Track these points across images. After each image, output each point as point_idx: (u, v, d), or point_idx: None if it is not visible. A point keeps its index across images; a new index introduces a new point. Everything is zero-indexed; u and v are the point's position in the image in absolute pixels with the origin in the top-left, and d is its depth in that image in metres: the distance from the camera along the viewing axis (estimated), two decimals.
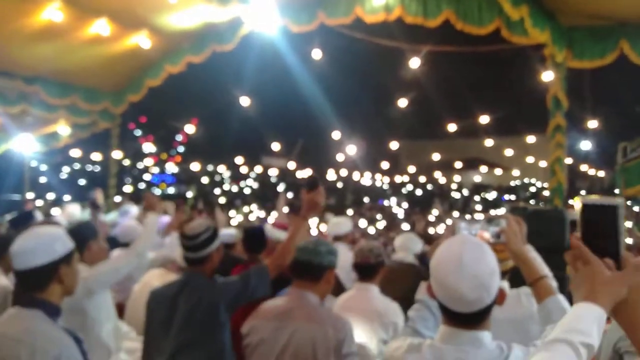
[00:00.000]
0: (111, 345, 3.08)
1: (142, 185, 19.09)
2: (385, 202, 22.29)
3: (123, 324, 3.59)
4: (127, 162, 16.63)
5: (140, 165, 18.09)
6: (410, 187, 24.21)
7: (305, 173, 17.30)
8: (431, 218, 11.75)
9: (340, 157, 15.02)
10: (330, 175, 18.06)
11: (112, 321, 3.22)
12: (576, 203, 1.08)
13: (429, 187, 24.29)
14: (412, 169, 20.29)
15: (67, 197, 13.75)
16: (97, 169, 16.44)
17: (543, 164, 13.29)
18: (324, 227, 9.50)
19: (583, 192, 19.36)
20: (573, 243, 1.07)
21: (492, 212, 18.49)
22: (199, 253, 2.71)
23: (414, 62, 8.10)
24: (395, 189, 23.74)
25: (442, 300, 1.59)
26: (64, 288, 2.09)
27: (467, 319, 1.57)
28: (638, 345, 1.09)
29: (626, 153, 7.37)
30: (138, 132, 18.54)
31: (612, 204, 1.04)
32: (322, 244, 2.55)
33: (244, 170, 17.61)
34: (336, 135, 12.54)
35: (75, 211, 7.69)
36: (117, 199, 10.27)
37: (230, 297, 2.63)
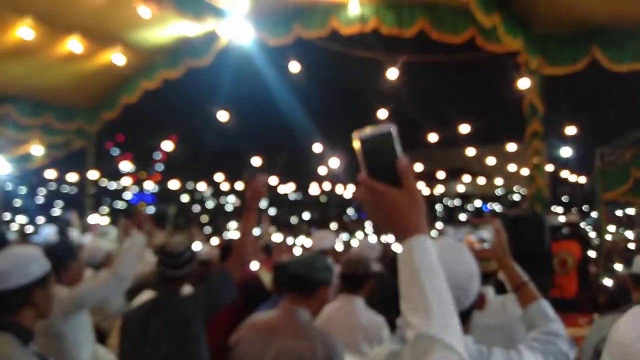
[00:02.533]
0: None
1: (120, 205, 18.92)
2: None
3: (100, 347, 3.52)
4: (104, 182, 16.45)
5: (118, 184, 17.90)
6: None
7: (288, 187, 17.27)
8: None
9: (322, 171, 15.04)
10: (313, 189, 18.05)
11: (91, 344, 3.16)
12: (354, 142, 1.06)
13: None
14: None
15: (42, 219, 13.54)
16: (74, 190, 16.23)
17: (525, 171, 13.44)
18: (308, 242, 9.48)
19: (564, 198, 19.65)
20: (360, 179, 1.05)
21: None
22: (179, 271, 2.76)
23: (392, 73, 8.19)
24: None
25: None
26: (37, 311, 2.04)
27: None
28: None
29: (603, 158, 7.51)
30: (115, 151, 18.38)
31: (385, 130, 1.05)
32: (320, 259, 2.50)
33: (224, 186, 17.52)
34: (317, 148, 12.56)
35: (51, 233, 7.61)
36: (94, 219, 10.14)
37: (198, 309, 2.64)
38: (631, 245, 9.01)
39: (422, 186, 19.58)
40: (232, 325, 2.66)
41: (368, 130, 1.06)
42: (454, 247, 1.64)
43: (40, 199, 18.58)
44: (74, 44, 7.59)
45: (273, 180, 16.38)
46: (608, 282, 6.49)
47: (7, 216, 13.57)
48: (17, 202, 16.64)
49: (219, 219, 20.50)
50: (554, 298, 5.85)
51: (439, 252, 1.62)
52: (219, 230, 17.11)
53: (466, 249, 1.66)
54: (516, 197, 24.18)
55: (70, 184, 13.47)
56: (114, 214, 13.71)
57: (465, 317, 1.59)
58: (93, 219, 7.39)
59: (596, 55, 6.34)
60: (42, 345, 2.08)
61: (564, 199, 19.16)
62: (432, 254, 1.02)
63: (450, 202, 25.69)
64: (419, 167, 16.31)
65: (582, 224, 11.01)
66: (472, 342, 1.59)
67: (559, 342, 1.76)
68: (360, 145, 1.05)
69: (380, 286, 3.65)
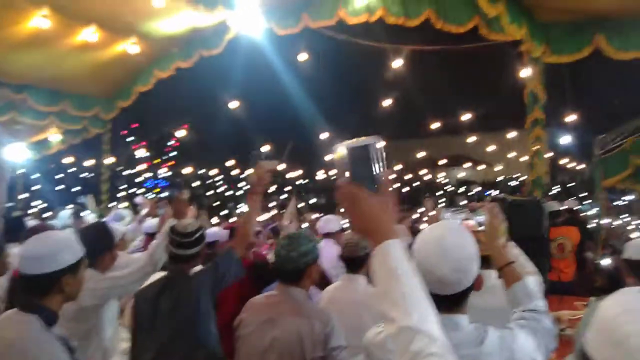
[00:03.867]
0: (110, 349, 2.99)
1: (135, 190, 18.99)
2: None
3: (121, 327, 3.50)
4: (119, 168, 16.51)
5: (133, 170, 17.96)
6: (396, 184, 24.27)
7: (295, 174, 17.27)
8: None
9: (329, 158, 15.00)
10: (320, 175, 18.04)
11: (114, 325, 3.14)
12: (339, 150, 1.15)
13: (416, 184, 24.39)
14: (398, 167, 20.33)
15: (59, 204, 13.61)
16: (90, 175, 16.30)
17: (525, 158, 13.36)
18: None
19: (563, 184, 19.50)
20: (341, 183, 1.14)
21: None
22: (189, 251, 2.75)
23: (397, 62, 8.11)
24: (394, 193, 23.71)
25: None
26: (65, 296, 2.03)
27: (445, 302, 1.56)
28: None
29: (603, 146, 7.42)
30: (130, 138, 18.40)
31: (373, 142, 1.14)
32: (294, 248, 2.45)
33: (235, 172, 17.55)
34: (324, 135, 12.52)
35: (66, 216, 7.59)
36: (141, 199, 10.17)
37: (206, 286, 2.64)
38: (631, 232, 8.95)
39: (425, 172, 19.50)
40: (240, 305, 2.66)
41: (355, 141, 1.14)
42: (457, 230, 1.63)
43: (58, 184, 18.66)
44: (89, 34, 7.56)
45: (281, 167, 16.37)
46: (606, 262, 6.44)
47: (26, 200, 13.65)
48: (36, 187, 16.74)
49: (229, 204, 20.57)
50: (552, 281, 5.83)
51: (443, 235, 1.61)
52: (229, 214, 17.15)
53: (467, 232, 1.64)
54: (516, 184, 24.09)
55: (87, 169, 13.51)
56: (130, 199, 13.76)
57: (463, 297, 1.59)
58: (140, 199, 7.35)
59: (600, 43, 6.22)
60: (71, 328, 2.06)
61: (563, 185, 19.05)
62: (404, 255, 1.08)
63: (452, 188, 25.61)
64: (422, 154, 16.24)
65: (582, 210, 10.93)
66: (468, 321, 1.59)
67: (543, 319, 1.77)
68: (347, 153, 1.13)
69: None
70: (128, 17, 7.72)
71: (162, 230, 3.14)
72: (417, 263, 1.56)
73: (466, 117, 10.74)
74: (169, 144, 19.10)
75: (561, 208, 7.62)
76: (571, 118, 9.54)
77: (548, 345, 1.72)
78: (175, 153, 19.36)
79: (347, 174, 1.13)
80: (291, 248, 2.44)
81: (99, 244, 2.94)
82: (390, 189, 1.13)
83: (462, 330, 1.57)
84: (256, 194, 2.84)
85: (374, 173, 1.12)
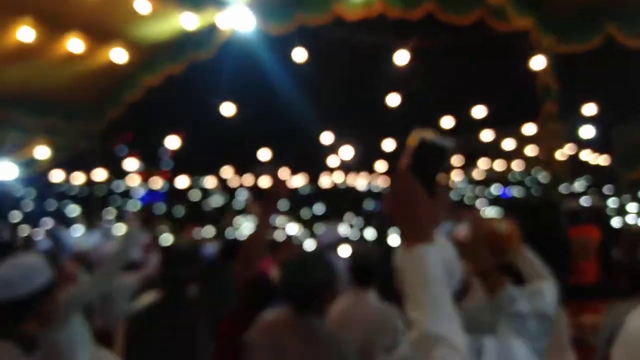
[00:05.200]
0: None
1: (129, 205, 19.08)
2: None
3: (103, 350, 3.55)
4: (112, 182, 16.59)
5: (126, 184, 18.04)
6: None
7: (298, 180, 17.28)
8: None
9: (333, 161, 15.01)
10: (324, 180, 18.03)
11: (88, 348, 3.18)
12: (412, 138, 1.15)
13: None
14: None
15: (50, 222, 13.71)
16: (83, 191, 16.41)
17: (543, 153, 13.29)
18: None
19: (583, 180, 19.39)
20: (401, 169, 1.14)
21: (490, 208, 18.51)
22: (185, 271, 2.76)
23: (402, 58, 8.14)
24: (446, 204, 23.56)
25: None
26: (41, 320, 2.07)
27: None
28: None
29: (622, 137, 7.42)
30: (124, 151, 18.46)
31: (446, 144, 1.14)
32: (305, 274, 2.36)
33: (234, 182, 17.58)
34: (328, 138, 12.53)
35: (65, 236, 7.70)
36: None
37: (205, 313, 2.64)
38: None
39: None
40: (237, 326, 2.68)
41: (431, 135, 1.15)
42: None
43: (48, 203, 18.80)
44: (74, 43, 7.65)
45: (283, 173, 16.40)
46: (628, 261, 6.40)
47: (16, 220, 13.75)
48: (26, 206, 16.88)
49: (226, 215, 20.61)
50: (574, 284, 5.81)
51: None
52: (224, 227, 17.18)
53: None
54: (534, 180, 23.91)
55: (78, 185, 13.60)
56: (124, 215, 13.84)
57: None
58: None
59: (611, 31, 6.24)
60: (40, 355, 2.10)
61: (585, 180, 18.93)
62: (440, 263, 1.12)
63: (469, 189, 25.46)
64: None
65: (603, 207, 10.88)
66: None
67: (528, 322, 1.84)
68: (418, 144, 1.14)
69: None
70: (113, 23, 7.81)
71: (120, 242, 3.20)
72: None
73: (479, 111, 10.74)
74: (163, 154, 19.17)
75: (584, 205, 7.61)
76: (588, 109, 9.53)
77: (537, 348, 1.77)
78: (171, 164, 19.42)
79: (410, 164, 1.14)
80: (304, 274, 2.37)
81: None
82: (445, 196, 1.17)
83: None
84: (269, 211, 2.72)
85: (436, 173, 1.14)
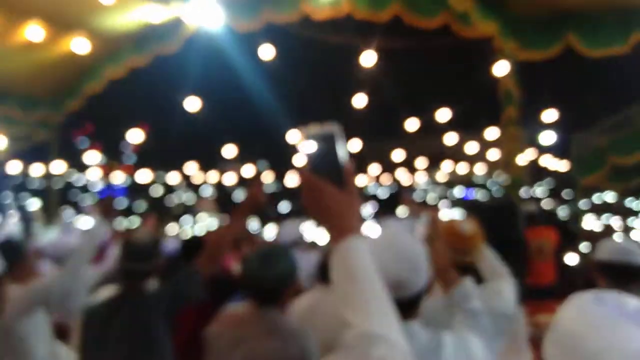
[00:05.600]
0: None
1: (89, 199, 18.69)
2: None
3: (61, 345, 3.49)
4: (72, 175, 16.23)
5: (87, 177, 17.67)
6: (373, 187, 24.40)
7: (266, 178, 17.22)
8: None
9: (300, 160, 15.02)
10: (291, 179, 18.02)
11: (47, 343, 3.13)
12: (300, 140, 1.13)
13: (391, 186, 24.54)
14: (375, 169, 20.43)
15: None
16: (40, 183, 15.99)
17: (504, 157, 13.57)
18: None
19: (544, 184, 19.94)
20: (302, 174, 1.11)
21: (453, 209, 18.85)
22: (144, 266, 2.73)
23: (368, 59, 8.19)
24: (359, 189, 23.79)
25: None
26: None
27: (403, 308, 1.63)
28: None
29: (580, 144, 7.67)
30: (85, 143, 18.06)
31: (330, 131, 1.11)
32: (269, 267, 2.39)
33: (198, 177, 17.41)
34: (294, 136, 12.53)
35: (14, 228, 7.49)
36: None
37: (162, 307, 2.62)
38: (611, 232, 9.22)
39: (402, 174, 19.67)
40: (199, 321, 2.66)
41: (314, 129, 1.11)
42: (403, 231, 1.72)
43: (4, 194, 18.27)
44: (34, 31, 7.44)
45: (248, 170, 16.33)
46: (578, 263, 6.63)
47: None
48: None
49: (193, 211, 20.45)
50: (531, 285, 5.98)
51: (394, 239, 1.69)
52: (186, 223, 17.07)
53: (407, 239, 1.73)
54: (495, 183, 24.45)
55: (36, 176, 13.24)
56: (81, 208, 13.56)
57: (418, 301, 1.69)
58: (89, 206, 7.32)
59: (570, 40, 6.42)
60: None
61: (545, 185, 19.46)
62: (367, 254, 1.06)
63: (433, 190, 25.85)
64: (399, 155, 16.38)
65: (561, 211, 11.22)
66: (420, 326, 1.67)
67: (481, 319, 1.88)
68: (307, 141, 1.11)
69: None
70: (76, 12, 7.63)
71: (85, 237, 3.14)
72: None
73: (443, 115, 10.91)
74: (125, 148, 18.84)
75: (541, 208, 7.82)
76: (549, 115, 9.79)
77: (492, 345, 1.83)
78: (133, 158, 19.10)
79: (308, 163, 1.11)
80: (266, 268, 2.38)
81: (13, 257, 2.95)
82: (354, 182, 1.11)
83: (419, 338, 1.64)
84: (243, 216, 2.68)
85: (338, 164, 1.10)
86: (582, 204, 8.36)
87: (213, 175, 17.15)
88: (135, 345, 2.55)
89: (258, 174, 13.60)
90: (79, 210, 11.42)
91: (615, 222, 12.71)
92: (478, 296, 2.41)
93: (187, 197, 20.45)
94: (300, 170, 1.11)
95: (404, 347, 0.98)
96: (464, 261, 2.44)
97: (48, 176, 11.43)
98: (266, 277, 2.36)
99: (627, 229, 12.70)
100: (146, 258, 2.74)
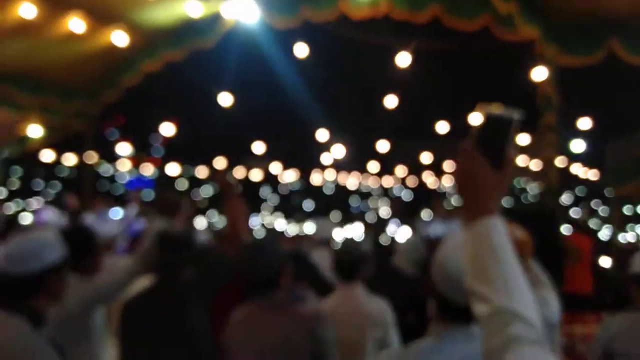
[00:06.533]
0: (99, 354, 3.01)
1: (120, 190, 19.03)
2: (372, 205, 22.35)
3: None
4: (103, 166, 16.50)
5: (116, 168, 17.95)
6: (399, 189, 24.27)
7: (290, 176, 17.28)
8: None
9: (326, 159, 15.03)
10: (316, 178, 18.04)
11: (102, 331, 3.16)
12: (479, 115, 1.15)
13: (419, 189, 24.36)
14: (401, 170, 20.29)
15: (40, 203, 13.61)
16: (73, 173, 16.32)
17: (535, 164, 13.39)
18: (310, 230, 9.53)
19: (576, 193, 19.64)
20: (465, 147, 1.14)
21: None
22: (180, 257, 2.78)
23: (403, 60, 8.15)
24: (384, 191, 23.78)
25: (449, 293, 1.60)
26: (50, 296, 2.08)
27: (468, 312, 1.60)
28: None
29: (616, 153, 7.53)
30: (115, 134, 18.36)
31: (510, 115, 1.13)
32: (261, 258, 2.53)
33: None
34: (323, 135, 12.53)
35: (51, 216, 7.60)
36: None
37: (199, 295, 2.69)
38: None
39: (429, 176, 19.54)
40: (237, 302, 2.70)
41: (495, 109, 1.14)
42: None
43: (37, 182, 18.70)
44: (75, 23, 7.57)
45: (276, 167, 16.39)
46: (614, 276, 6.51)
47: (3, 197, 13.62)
48: (14, 184, 16.77)
49: (217, 204, 20.59)
50: (568, 292, 5.88)
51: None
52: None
53: None
54: (527, 190, 24.13)
55: (69, 166, 13.51)
56: (114, 198, 13.76)
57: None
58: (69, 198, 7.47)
59: (614, 47, 6.30)
60: (58, 335, 2.10)
61: (574, 193, 19.15)
62: (506, 234, 1.08)
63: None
64: (427, 157, 16.27)
65: (592, 220, 11.03)
66: None
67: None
68: (484, 120, 1.13)
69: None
70: (116, 5, 7.74)
71: (149, 231, 3.18)
72: (443, 274, 1.60)
73: (475, 119, 10.81)
74: (156, 141, 19.09)
75: (573, 217, 7.69)
76: (584, 123, 9.64)
77: None
78: (162, 151, 19.34)
79: (475, 138, 1.13)
80: (257, 259, 2.50)
81: (82, 248, 2.90)
82: (510, 169, 1.13)
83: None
84: (230, 197, 2.97)
85: (501, 147, 1.12)
86: (616, 214, 8.20)
87: (240, 171, 17.27)
88: (176, 336, 2.59)
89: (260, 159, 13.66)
90: (110, 199, 11.57)
91: None
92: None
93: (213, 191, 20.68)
94: (466, 143, 1.14)
95: (539, 328, 0.99)
96: None
97: (81, 166, 11.61)
98: (258, 268, 2.48)
99: None
100: (180, 249, 2.79)
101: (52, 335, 2.07)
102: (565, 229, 5.99)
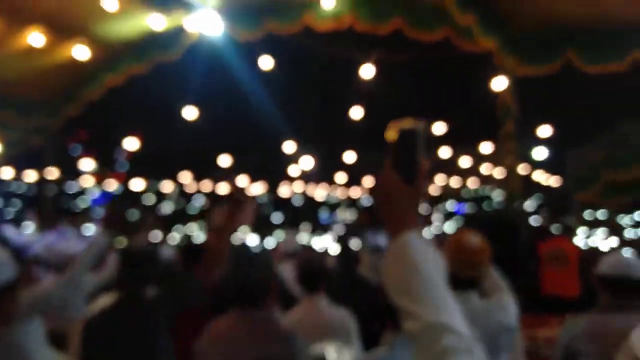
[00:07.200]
0: None
1: (82, 206, 18.62)
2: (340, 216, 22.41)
3: (55, 352, 3.44)
4: (65, 182, 16.14)
5: (79, 185, 17.59)
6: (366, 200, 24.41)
7: (258, 188, 17.20)
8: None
9: (294, 171, 15.04)
10: (284, 190, 18.03)
11: (44, 349, 3.09)
12: (391, 133, 1.16)
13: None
14: (369, 180, 20.42)
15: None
16: (32, 189, 15.90)
17: (499, 171, 13.67)
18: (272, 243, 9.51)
19: (537, 200, 20.11)
20: (385, 166, 1.15)
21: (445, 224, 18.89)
22: (142, 272, 2.74)
23: (367, 71, 8.24)
24: (353, 202, 23.90)
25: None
26: (3, 315, 2.02)
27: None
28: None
29: (575, 160, 7.76)
30: (78, 150, 18.00)
31: (417, 128, 1.16)
32: (252, 269, 2.45)
33: (192, 187, 17.37)
34: (289, 147, 12.55)
35: (14, 235, 7.43)
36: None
37: (164, 313, 2.62)
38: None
39: None
40: (199, 328, 2.66)
41: (405, 124, 1.16)
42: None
43: None
44: (35, 37, 7.43)
45: (243, 180, 16.31)
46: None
47: None
48: None
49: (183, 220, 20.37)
50: (551, 296, 5.95)
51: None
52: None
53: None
54: (491, 198, 24.57)
55: (29, 183, 13.17)
56: (75, 215, 13.46)
57: None
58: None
59: (570, 56, 6.51)
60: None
61: (535, 199, 19.60)
62: (427, 248, 1.09)
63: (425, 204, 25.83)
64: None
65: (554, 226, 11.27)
66: None
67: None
68: (398, 137, 1.15)
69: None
70: (77, 18, 7.63)
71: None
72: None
73: (437, 128, 10.98)
74: (120, 156, 18.78)
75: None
76: (544, 131, 9.88)
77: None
78: (127, 166, 19.02)
79: (391, 157, 1.14)
80: (246, 271, 2.43)
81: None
82: (425, 179, 1.14)
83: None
84: (237, 214, 2.63)
85: (413, 161, 1.13)
86: (572, 220, 8.43)
87: (207, 185, 17.11)
88: (137, 352, 2.54)
89: (227, 172, 13.53)
90: (72, 216, 11.32)
91: (607, 238, 12.82)
92: (484, 310, 2.41)
93: (179, 206, 20.43)
94: (385, 162, 1.15)
95: (470, 337, 1.00)
96: (469, 276, 2.44)
97: (41, 182, 11.35)
98: (248, 280, 2.39)
99: (621, 245, 12.81)
100: (145, 264, 2.75)
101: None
102: (537, 235, 6.11)
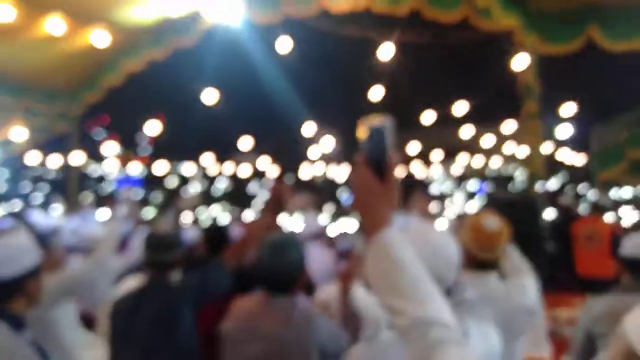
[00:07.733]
0: (75, 355, 3.08)
1: (107, 189, 18.94)
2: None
3: (88, 333, 3.58)
4: (89, 166, 16.42)
5: (104, 168, 17.87)
6: None
7: (277, 170, 17.27)
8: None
9: (314, 153, 15.05)
10: (305, 171, 18.06)
11: (75, 331, 3.22)
12: (362, 130, 1.17)
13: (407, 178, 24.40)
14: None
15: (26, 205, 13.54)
16: (58, 174, 16.21)
17: (522, 150, 13.48)
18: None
19: (561, 178, 19.80)
20: (358, 161, 1.16)
21: (468, 204, 18.74)
22: (168, 256, 2.80)
23: (386, 52, 8.17)
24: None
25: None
26: (29, 299, 2.10)
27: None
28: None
29: (599, 138, 7.63)
30: (102, 134, 18.26)
31: (385, 124, 1.17)
32: (282, 257, 2.41)
33: (214, 169, 17.51)
34: (309, 129, 12.55)
35: (40, 219, 7.62)
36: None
37: (188, 298, 2.67)
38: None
39: (417, 166, 19.63)
40: (222, 314, 2.70)
41: (372, 121, 1.17)
42: (427, 237, 1.73)
43: (24, 184, 18.58)
44: (55, 24, 7.51)
45: (263, 162, 16.39)
46: None
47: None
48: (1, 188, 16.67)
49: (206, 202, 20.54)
50: (586, 276, 5.89)
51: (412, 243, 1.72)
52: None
53: (443, 235, 1.76)
54: (513, 177, 24.26)
55: (54, 168, 13.42)
56: (100, 198, 13.72)
57: None
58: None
59: (593, 34, 6.36)
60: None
61: (560, 178, 19.30)
62: (406, 243, 1.10)
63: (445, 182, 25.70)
64: (414, 147, 16.32)
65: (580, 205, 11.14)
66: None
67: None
68: (368, 134, 1.16)
69: None
70: (96, 5, 7.69)
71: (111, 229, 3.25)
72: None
73: (460, 107, 10.87)
74: (143, 139, 18.99)
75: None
76: (568, 109, 9.72)
77: (516, 339, 2.06)
78: (150, 149, 19.25)
79: (363, 153, 1.16)
80: (279, 257, 2.40)
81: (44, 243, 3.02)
82: (395, 175, 1.15)
83: None
84: (273, 209, 2.72)
85: (383, 157, 1.14)
86: (600, 197, 8.31)
87: (228, 167, 17.23)
88: (162, 336, 2.60)
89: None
90: (98, 200, 11.53)
91: (634, 216, 12.60)
92: (503, 292, 2.43)
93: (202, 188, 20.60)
94: (356, 158, 1.16)
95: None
96: (487, 257, 2.45)
97: (66, 167, 11.57)
98: (280, 266, 2.39)
99: None
100: (168, 249, 2.80)
101: (33, 338, 2.09)
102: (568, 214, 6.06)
